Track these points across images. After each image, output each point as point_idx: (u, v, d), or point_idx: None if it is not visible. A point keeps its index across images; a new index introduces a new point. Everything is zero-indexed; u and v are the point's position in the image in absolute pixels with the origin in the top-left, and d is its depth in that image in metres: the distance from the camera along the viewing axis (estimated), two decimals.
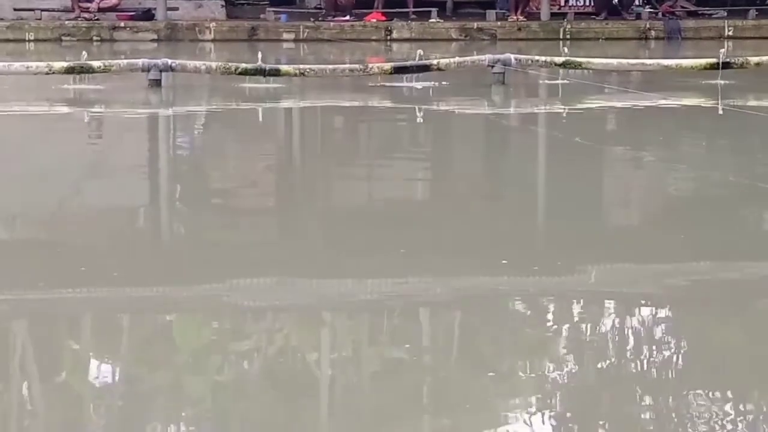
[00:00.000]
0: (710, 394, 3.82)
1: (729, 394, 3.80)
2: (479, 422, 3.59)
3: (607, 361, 4.21)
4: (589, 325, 4.62)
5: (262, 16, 22.25)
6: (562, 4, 22.55)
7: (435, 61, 13.25)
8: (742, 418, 3.61)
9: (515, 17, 21.48)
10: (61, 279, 5.21)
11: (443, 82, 12.99)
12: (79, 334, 4.65)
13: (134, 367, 4.16)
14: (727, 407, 3.70)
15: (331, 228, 6.45)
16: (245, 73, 12.70)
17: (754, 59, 13.42)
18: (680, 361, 4.24)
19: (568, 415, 3.65)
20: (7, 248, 6.03)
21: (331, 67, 13.58)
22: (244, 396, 3.86)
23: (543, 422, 3.56)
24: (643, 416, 3.67)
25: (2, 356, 4.23)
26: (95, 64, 12.79)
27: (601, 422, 3.62)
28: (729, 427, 3.53)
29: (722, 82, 12.52)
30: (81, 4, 21.46)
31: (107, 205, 7.20)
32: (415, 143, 10.18)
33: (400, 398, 3.82)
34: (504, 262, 5.43)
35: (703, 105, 11.70)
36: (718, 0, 23.84)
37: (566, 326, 4.64)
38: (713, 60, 12.94)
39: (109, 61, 13.48)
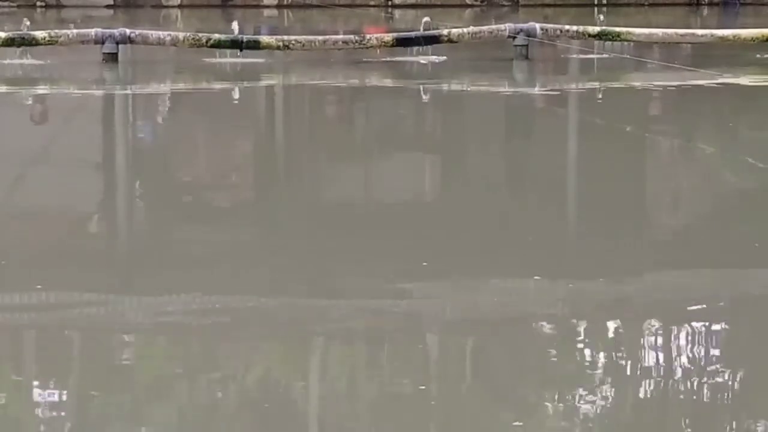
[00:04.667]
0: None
1: None
2: None
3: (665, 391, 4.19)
4: (631, 356, 4.61)
5: None
6: None
7: (445, 32, 13.25)
8: None
9: None
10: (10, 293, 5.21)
11: (455, 57, 12.99)
12: (25, 352, 4.63)
13: (87, 399, 4.15)
14: None
15: (327, 235, 6.44)
16: (218, 45, 12.69)
17: None
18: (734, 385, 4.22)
19: None
20: None
21: (321, 38, 13.54)
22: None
23: None
24: None
25: None
26: (39, 34, 12.76)
27: None
28: None
29: None
30: None
31: (53, 205, 7.18)
32: (423, 132, 10.19)
33: None
34: (537, 278, 5.38)
35: (759, 85, 11.75)
36: None
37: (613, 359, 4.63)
38: None
39: (56, 31, 13.42)
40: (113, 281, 5.48)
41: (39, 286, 5.21)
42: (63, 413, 4.03)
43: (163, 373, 4.41)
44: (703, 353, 4.61)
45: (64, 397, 4.19)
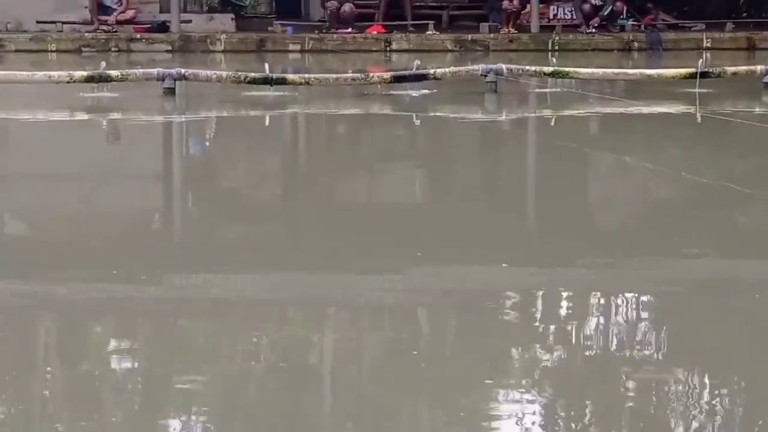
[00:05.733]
0: (698, 390, 3.76)
1: (721, 391, 3.75)
2: (476, 408, 3.54)
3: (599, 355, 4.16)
4: (585, 321, 4.58)
5: (269, 28, 22.23)
6: (551, 17, 22.48)
7: (432, 71, 13.14)
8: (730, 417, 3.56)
9: (507, 30, 21.44)
10: (89, 278, 5.16)
11: (439, 91, 12.94)
12: (100, 328, 4.59)
13: (147, 360, 4.12)
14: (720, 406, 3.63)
15: (339, 229, 6.41)
16: (253, 82, 12.63)
17: (730, 69, 13.39)
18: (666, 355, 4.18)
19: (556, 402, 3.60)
20: (33, 247, 5.97)
21: (334, 76, 13.54)
22: (250, 385, 3.83)
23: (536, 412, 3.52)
24: (629, 415, 3.62)
25: (28, 348, 4.20)
26: (113, 73, 12.72)
27: (588, 414, 3.57)
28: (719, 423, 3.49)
29: (700, 90, 12.45)
30: (100, 17, 21.43)
31: (124, 206, 7.16)
32: (414, 148, 10.13)
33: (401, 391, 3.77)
34: (504, 265, 5.38)
35: (682, 112, 11.66)
36: (696, 13, 23.81)
37: (561, 321, 4.61)
38: (692, 70, 12.90)
39: (127, 70, 13.42)
40: (170, 266, 5.48)
41: (114, 272, 5.21)
42: (134, 381, 3.97)
43: (214, 340, 4.35)
44: (635, 324, 4.58)
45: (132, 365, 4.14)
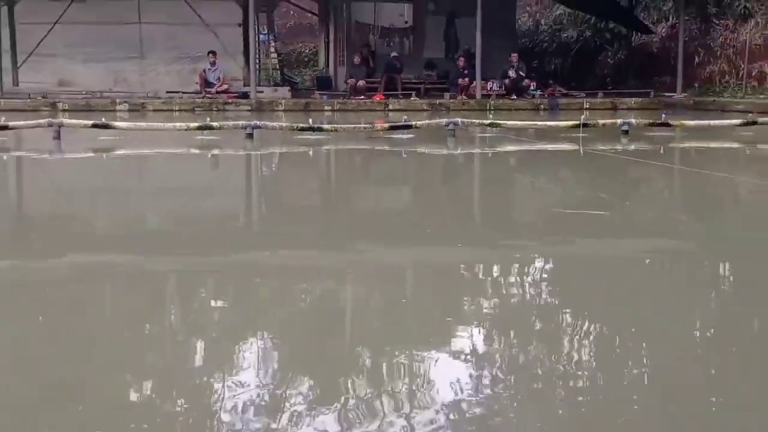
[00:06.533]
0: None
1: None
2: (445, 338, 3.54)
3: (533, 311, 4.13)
4: (529, 278, 4.54)
5: (312, 96, 22.35)
6: (489, 89, 22.64)
7: (414, 123, 13.22)
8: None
9: (461, 97, 21.60)
10: (194, 252, 5.13)
11: (418, 135, 12.97)
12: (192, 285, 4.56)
13: (220, 301, 4.10)
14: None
15: (354, 222, 6.34)
16: (302, 129, 12.75)
17: (601, 121, 13.56)
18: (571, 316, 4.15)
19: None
20: (157, 234, 5.93)
21: (352, 125, 13.61)
22: (289, 323, 3.82)
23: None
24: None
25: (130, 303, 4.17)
26: (214, 124, 12.82)
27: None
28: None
29: (583, 135, 12.53)
30: (206, 89, 21.66)
31: (221, 208, 7.13)
32: (403, 172, 10.06)
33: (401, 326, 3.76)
34: (459, 245, 5.34)
35: (571, 149, 11.63)
36: (580, 86, 24.25)
37: (496, 281, 4.57)
38: (577, 122, 13.05)
39: (223, 122, 13.44)
40: (250, 244, 5.42)
41: (223, 251, 5.19)
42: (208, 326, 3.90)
43: (275, 293, 4.31)
44: (546, 282, 4.55)
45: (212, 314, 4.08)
